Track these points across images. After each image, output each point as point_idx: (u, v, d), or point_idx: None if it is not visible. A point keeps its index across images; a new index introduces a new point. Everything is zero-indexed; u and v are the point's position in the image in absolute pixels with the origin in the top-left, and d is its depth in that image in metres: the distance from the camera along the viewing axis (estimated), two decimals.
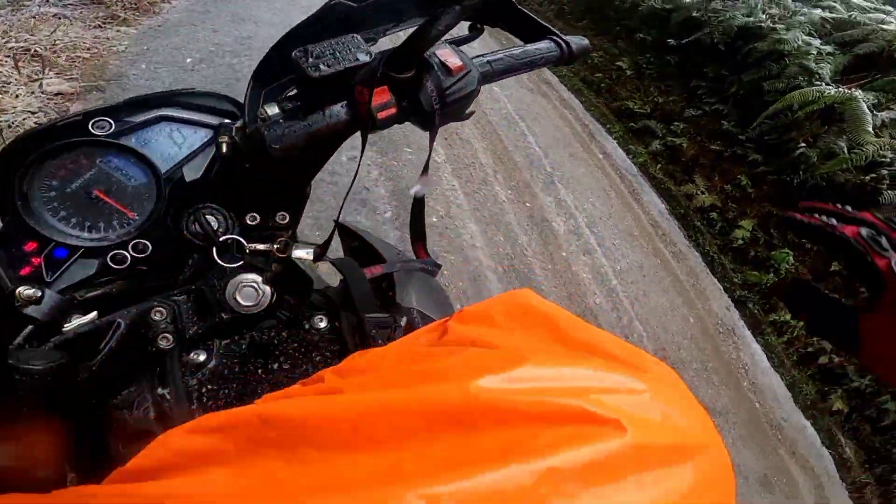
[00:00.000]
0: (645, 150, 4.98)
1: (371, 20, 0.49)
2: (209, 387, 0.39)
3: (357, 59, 0.39)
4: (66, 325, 0.36)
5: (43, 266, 0.38)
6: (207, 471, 0.20)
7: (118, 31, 2.67)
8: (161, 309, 0.39)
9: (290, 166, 0.43)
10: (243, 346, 0.41)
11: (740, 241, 3.37)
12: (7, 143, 0.41)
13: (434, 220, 2.38)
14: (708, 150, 4.47)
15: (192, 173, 0.44)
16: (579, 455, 0.18)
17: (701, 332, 2.67)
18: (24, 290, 0.35)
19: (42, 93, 2.01)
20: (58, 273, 0.39)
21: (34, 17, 2.61)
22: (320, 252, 0.46)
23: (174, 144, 0.46)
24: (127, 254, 0.41)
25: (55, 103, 1.99)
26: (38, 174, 0.40)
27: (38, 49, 2.29)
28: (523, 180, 3.40)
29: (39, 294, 0.35)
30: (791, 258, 2.95)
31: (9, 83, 2.01)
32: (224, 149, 0.42)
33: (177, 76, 2.38)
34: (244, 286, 0.41)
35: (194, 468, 0.20)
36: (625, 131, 5.41)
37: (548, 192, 3.35)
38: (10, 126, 1.83)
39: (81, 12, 2.77)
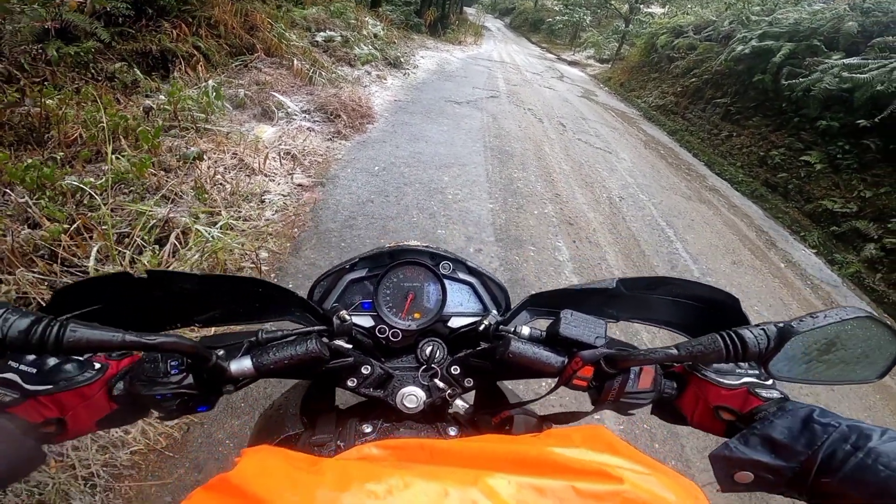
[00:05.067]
0: (856, 258, 4.21)
1: (630, 308, 0.61)
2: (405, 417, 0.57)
3: (593, 341, 0.50)
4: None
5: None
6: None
7: (339, 143, 4.01)
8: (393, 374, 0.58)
9: (501, 367, 0.54)
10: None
11: None
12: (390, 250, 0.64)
13: None
14: None
15: (456, 321, 0.64)
16: (589, 486, 0.31)
17: None
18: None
19: (291, 183, 3.24)
20: (360, 325, 0.62)
21: (296, 129, 4.10)
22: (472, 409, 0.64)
23: (461, 304, 0.66)
24: (394, 335, 0.62)
25: (297, 191, 3.18)
26: (392, 272, 0.63)
27: (294, 152, 3.63)
28: None
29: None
30: None
31: (276, 174, 3.29)
32: (481, 327, 0.60)
33: (367, 179, 3.49)
34: (409, 394, 0.55)
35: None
36: (826, 237, 4.65)
37: None
38: (270, 202, 3.02)
39: (321, 128, 4.22)
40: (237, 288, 0.54)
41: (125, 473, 1.40)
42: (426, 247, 0.65)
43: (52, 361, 0.42)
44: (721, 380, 0.49)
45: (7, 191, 2.31)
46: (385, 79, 6.53)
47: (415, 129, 4.69)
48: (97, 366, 0.44)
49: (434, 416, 0.58)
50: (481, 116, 5.89)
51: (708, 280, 3.29)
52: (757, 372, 0.50)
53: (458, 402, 0.61)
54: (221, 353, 0.48)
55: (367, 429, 0.53)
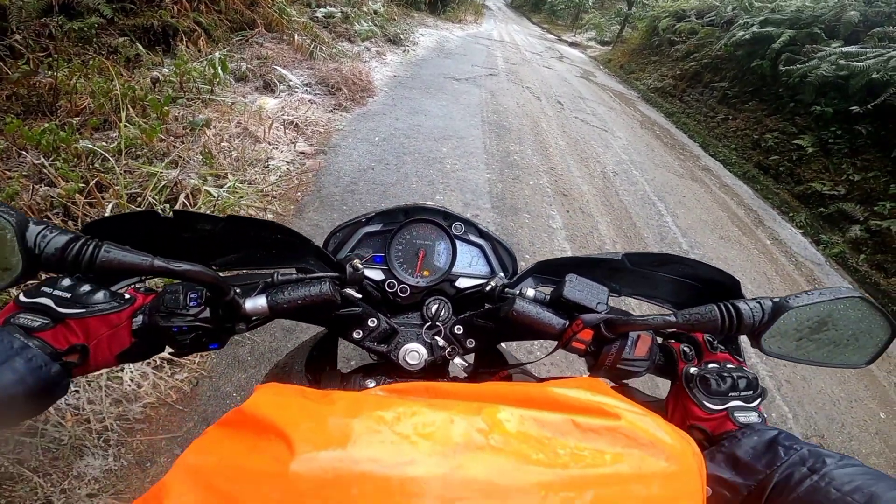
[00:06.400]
0: (842, 239, 4.30)
1: (633, 283, 0.62)
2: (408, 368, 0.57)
3: (594, 306, 0.51)
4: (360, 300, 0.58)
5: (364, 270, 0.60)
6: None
7: (340, 115, 4.10)
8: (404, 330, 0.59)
9: (503, 327, 0.56)
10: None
11: None
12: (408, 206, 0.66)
13: None
14: None
15: (463, 282, 0.66)
16: (588, 420, 0.31)
17: None
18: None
19: (294, 150, 3.34)
20: (371, 279, 0.64)
21: (298, 101, 4.18)
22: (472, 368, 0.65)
23: (470, 265, 0.67)
24: (402, 290, 0.63)
25: (299, 158, 3.28)
26: (406, 229, 0.65)
27: (296, 122, 3.72)
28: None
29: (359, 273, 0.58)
30: None
31: (280, 142, 3.39)
32: (487, 288, 0.62)
33: (368, 148, 3.59)
34: (411, 350, 0.57)
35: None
36: (813, 218, 4.74)
37: None
38: (275, 168, 3.12)
39: (323, 100, 4.30)
40: (257, 232, 0.55)
41: (137, 427, 1.42)
42: (441, 207, 0.67)
43: (85, 287, 0.43)
44: (705, 402, 0.48)
45: (23, 152, 2.41)
46: (385, 55, 6.55)
47: (414, 104, 4.76)
48: (126, 296, 0.46)
49: (435, 374, 0.59)
50: (480, 93, 5.94)
51: (696, 253, 3.42)
52: (749, 394, 0.49)
53: (458, 361, 0.60)
54: (238, 290, 0.49)
55: (371, 384, 0.55)
